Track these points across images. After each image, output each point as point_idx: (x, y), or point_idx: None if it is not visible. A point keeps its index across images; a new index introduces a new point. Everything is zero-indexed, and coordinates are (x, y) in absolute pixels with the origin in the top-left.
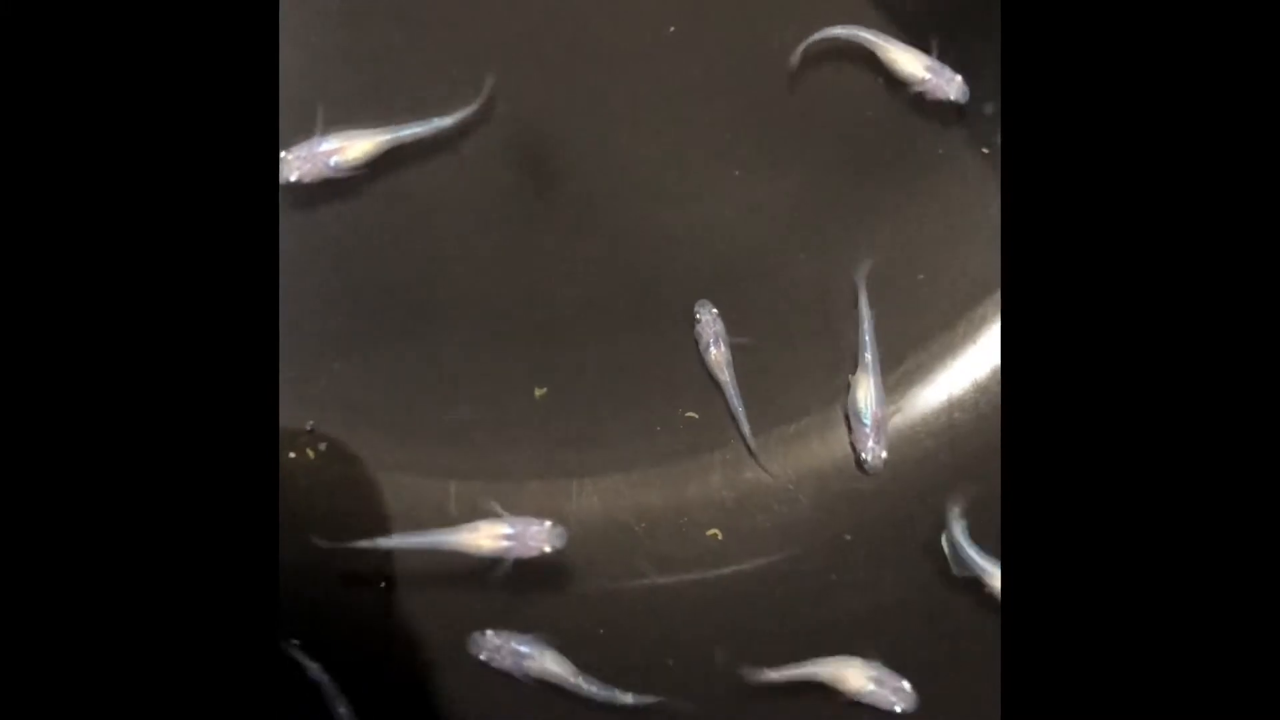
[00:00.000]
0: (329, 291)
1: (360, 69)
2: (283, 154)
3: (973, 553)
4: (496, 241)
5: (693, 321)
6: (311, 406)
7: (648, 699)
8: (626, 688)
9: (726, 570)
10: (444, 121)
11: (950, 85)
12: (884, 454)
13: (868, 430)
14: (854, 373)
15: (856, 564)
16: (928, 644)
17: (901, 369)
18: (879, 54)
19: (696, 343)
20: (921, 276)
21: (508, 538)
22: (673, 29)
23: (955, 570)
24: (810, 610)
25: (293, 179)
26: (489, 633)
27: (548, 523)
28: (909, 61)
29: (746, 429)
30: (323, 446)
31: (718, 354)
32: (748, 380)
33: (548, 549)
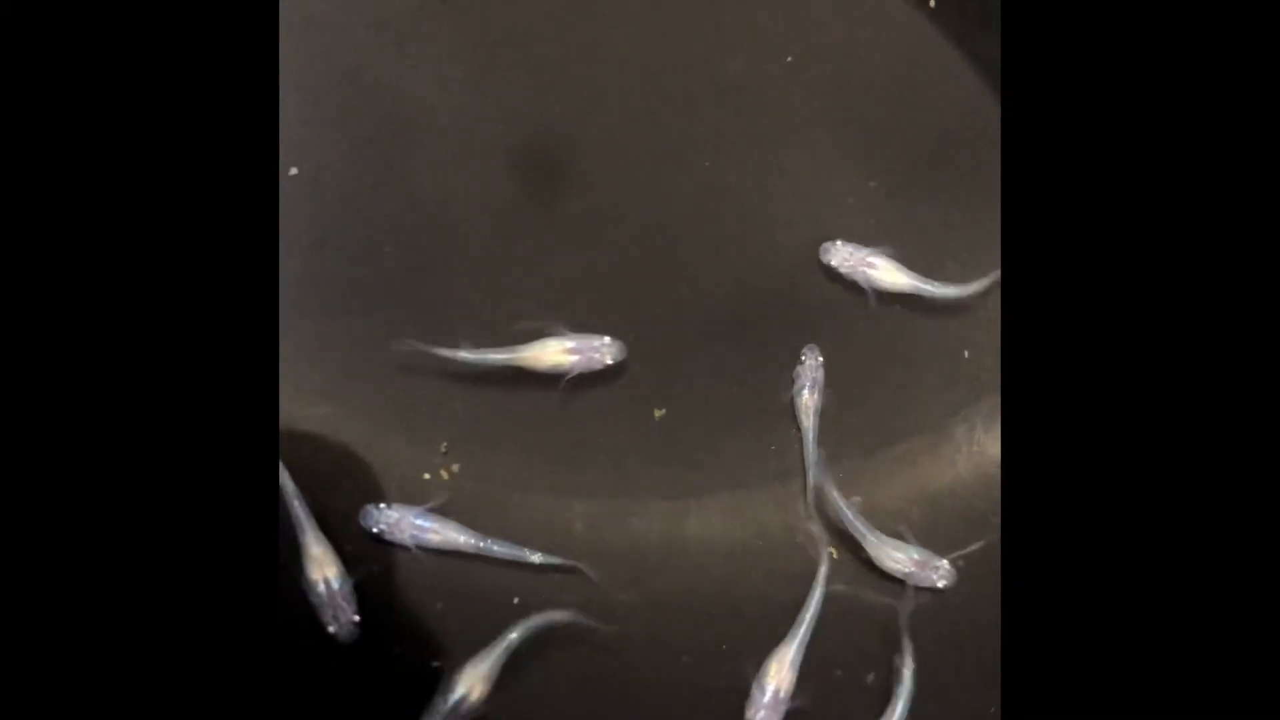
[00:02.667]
0: (463, 318)
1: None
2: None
3: None
4: (618, 270)
5: (796, 356)
6: (447, 428)
7: (554, 559)
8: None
9: (842, 587)
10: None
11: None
12: None
13: (765, 703)
14: (781, 642)
15: (969, 583)
16: None
17: (987, 400)
18: None
19: (793, 381)
20: None
21: (572, 351)
22: (790, 59)
23: None
24: (924, 627)
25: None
26: (383, 506)
27: (607, 338)
28: None
29: (812, 478)
30: (456, 468)
31: (808, 399)
32: (854, 401)
33: (609, 361)
